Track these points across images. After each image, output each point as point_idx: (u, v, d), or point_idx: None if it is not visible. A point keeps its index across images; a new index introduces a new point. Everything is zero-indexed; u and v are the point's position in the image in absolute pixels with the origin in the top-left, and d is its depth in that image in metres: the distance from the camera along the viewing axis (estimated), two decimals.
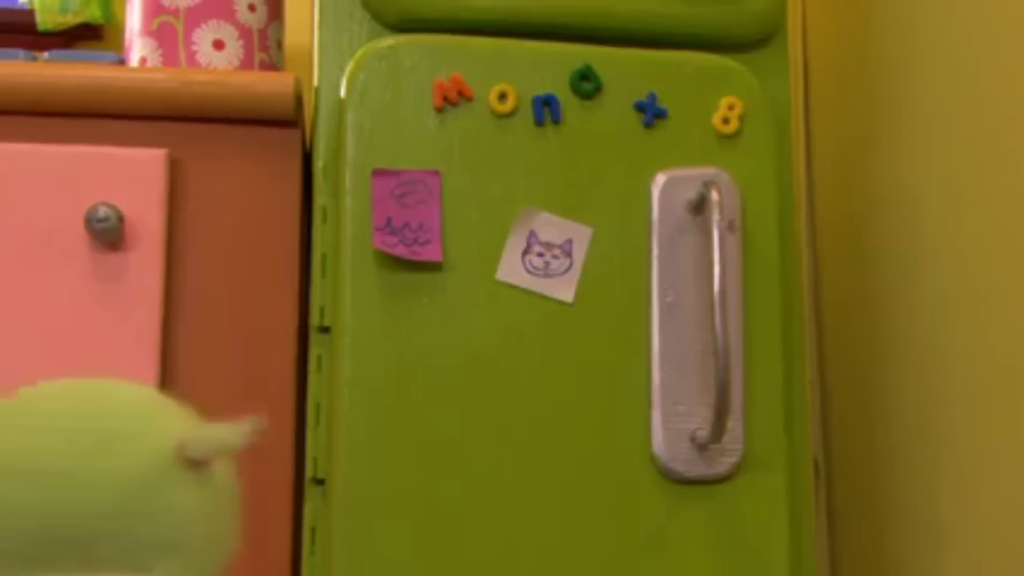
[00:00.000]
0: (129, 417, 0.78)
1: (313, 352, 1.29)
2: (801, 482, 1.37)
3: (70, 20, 1.81)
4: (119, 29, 1.78)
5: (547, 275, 1.30)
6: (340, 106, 1.31)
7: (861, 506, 1.60)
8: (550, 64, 1.33)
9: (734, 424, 1.28)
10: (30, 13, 1.81)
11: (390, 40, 1.32)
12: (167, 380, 1.29)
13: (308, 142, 1.41)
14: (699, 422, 1.28)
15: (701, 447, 1.28)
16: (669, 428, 1.28)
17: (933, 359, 1.40)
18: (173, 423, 0.79)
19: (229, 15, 1.52)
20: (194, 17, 1.51)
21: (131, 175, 1.30)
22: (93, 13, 1.82)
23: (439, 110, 1.30)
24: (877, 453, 1.55)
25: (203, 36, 1.51)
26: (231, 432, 0.75)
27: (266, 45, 1.55)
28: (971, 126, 1.34)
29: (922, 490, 1.43)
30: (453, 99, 1.30)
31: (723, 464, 1.29)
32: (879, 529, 1.54)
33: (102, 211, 1.25)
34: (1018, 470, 1.23)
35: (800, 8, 1.82)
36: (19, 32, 1.81)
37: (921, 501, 1.43)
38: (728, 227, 1.31)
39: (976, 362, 1.31)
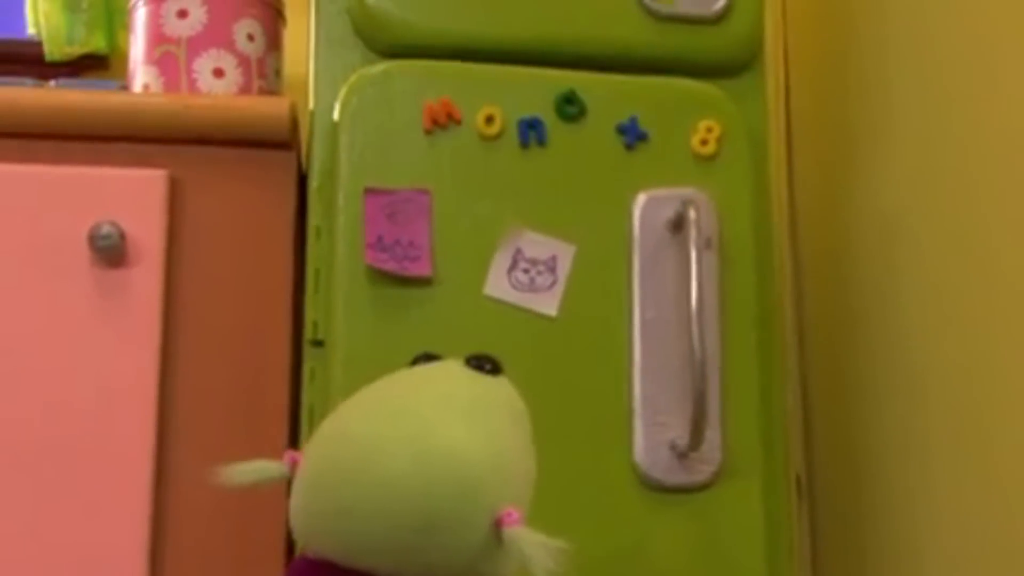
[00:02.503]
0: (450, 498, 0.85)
1: (307, 364, 1.33)
2: (779, 491, 1.41)
3: (76, 50, 1.87)
4: (123, 59, 1.82)
5: (532, 290, 1.35)
6: (334, 129, 1.36)
7: (844, 524, 1.64)
8: (535, 88, 1.38)
9: (712, 433, 1.32)
10: (37, 44, 1.88)
11: (382, 66, 1.37)
12: (166, 391, 1.33)
13: (304, 164, 1.46)
14: (679, 432, 1.33)
15: (681, 456, 1.32)
16: (650, 438, 1.33)
17: (911, 379, 1.44)
18: (492, 497, 0.86)
19: (229, 44, 1.58)
20: (195, 46, 1.57)
21: (133, 195, 1.35)
22: (98, 43, 1.88)
23: (428, 132, 1.35)
24: (859, 471, 1.59)
25: (204, 64, 1.56)
26: (548, 549, 0.83)
27: (264, 73, 1.61)
28: (944, 150, 1.39)
29: (901, 508, 1.47)
30: (442, 122, 1.36)
31: (702, 472, 1.33)
32: (861, 547, 1.57)
33: (105, 229, 1.31)
34: (993, 487, 1.27)
35: (782, 36, 1.88)
36: (27, 62, 1.87)
37: (900, 519, 1.47)
38: (706, 245, 1.35)
39: (953, 381, 1.35)
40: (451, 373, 0.96)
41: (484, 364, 0.96)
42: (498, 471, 0.88)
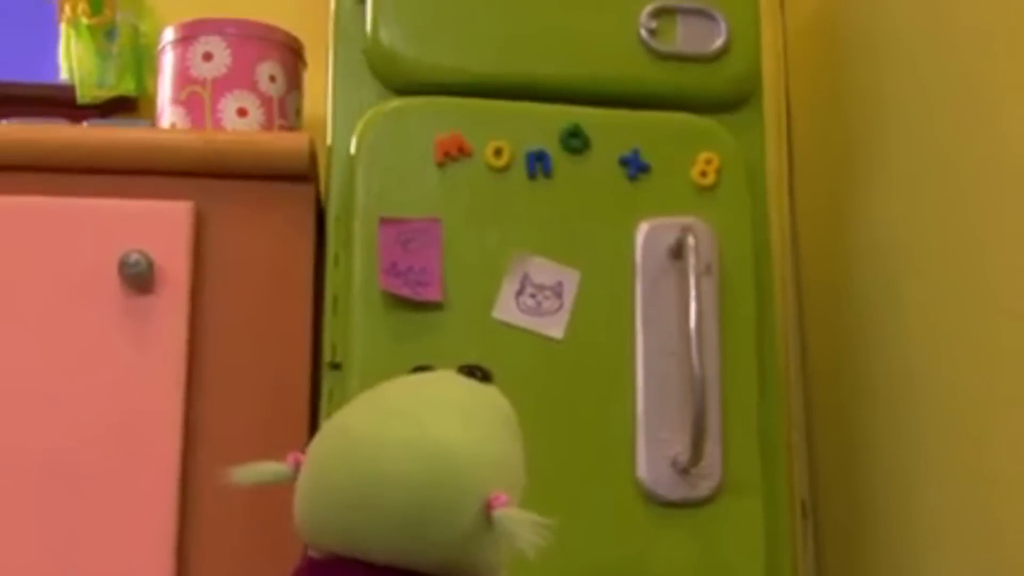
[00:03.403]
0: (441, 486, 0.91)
1: (325, 386, 1.39)
2: (779, 507, 1.46)
3: (107, 93, 1.94)
4: (151, 102, 1.89)
5: (539, 314, 1.41)
6: (351, 162, 1.43)
7: (848, 545, 1.68)
8: (542, 123, 1.45)
9: (712, 450, 1.38)
10: (70, 88, 1.94)
11: (396, 102, 1.44)
12: (191, 411, 1.40)
13: (322, 195, 1.53)
14: (680, 449, 1.38)
15: (682, 471, 1.37)
16: (652, 454, 1.38)
17: (910, 402, 1.49)
18: (481, 484, 0.93)
19: (251, 85, 1.66)
20: (220, 87, 1.65)
21: (160, 225, 1.42)
22: (128, 86, 1.95)
23: (440, 165, 1.42)
24: (861, 494, 1.63)
25: (228, 104, 1.64)
26: (533, 525, 0.89)
27: (285, 112, 1.69)
28: (938, 178, 1.45)
29: (902, 529, 1.51)
30: (453, 154, 1.42)
31: (703, 488, 1.38)
32: (864, 567, 1.61)
33: (133, 257, 1.38)
34: (989, 508, 1.32)
35: (783, 70, 1.94)
36: (60, 105, 1.93)
37: (901, 540, 1.51)
38: (705, 270, 1.41)
39: (950, 403, 1.40)
40: (444, 378, 1.03)
41: (475, 372, 1.02)
42: (487, 461, 0.94)
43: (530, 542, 0.86)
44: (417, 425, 0.93)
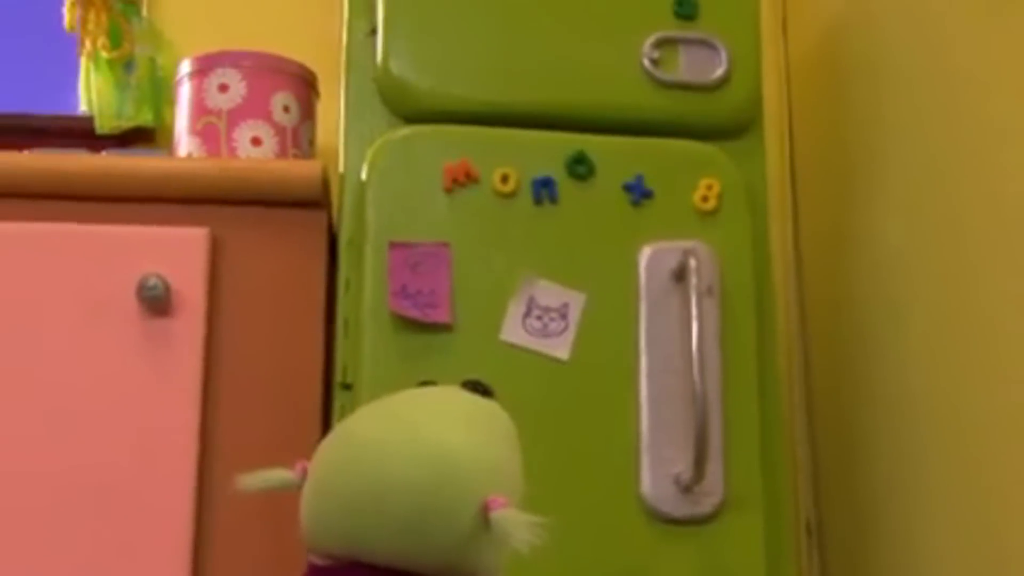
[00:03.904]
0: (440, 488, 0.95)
1: (337, 406, 1.43)
2: (782, 524, 1.49)
3: (125, 124, 1.99)
4: (168, 132, 1.94)
5: (545, 336, 1.44)
6: (362, 189, 1.47)
7: (852, 564, 1.70)
8: (547, 150, 1.49)
9: (714, 468, 1.41)
10: (89, 119, 1.99)
11: (406, 130, 1.49)
12: (207, 430, 1.44)
13: (335, 221, 1.57)
14: (683, 466, 1.41)
15: (685, 489, 1.41)
16: (656, 472, 1.41)
17: (912, 422, 1.52)
18: (479, 487, 0.96)
19: (266, 115, 1.70)
20: (235, 117, 1.69)
21: (177, 251, 1.47)
22: (145, 117, 2.00)
23: (448, 191, 1.46)
24: (865, 513, 1.66)
25: (243, 134, 1.68)
26: (528, 525, 0.92)
27: (299, 142, 1.73)
28: (937, 201, 1.48)
29: (904, 548, 1.54)
30: (461, 181, 1.47)
31: (706, 504, 1.41)
32: None
33: (151, 281, 1.42)
34: (989, 527, 1.35)
35: (786, 96, 1.98)
36: (79, 136, 1.98)
37: (904, 559, 1.54)
38: (707, 292, 1.45)
39: (951, 424, 1.43)
40: (447, 390, 1.07)
41: (477, 387, 1.06)
42: (486, 467, 0.97)
43: (526, 541, 0.90)
44: (418, 430, 0.97)
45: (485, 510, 0.94)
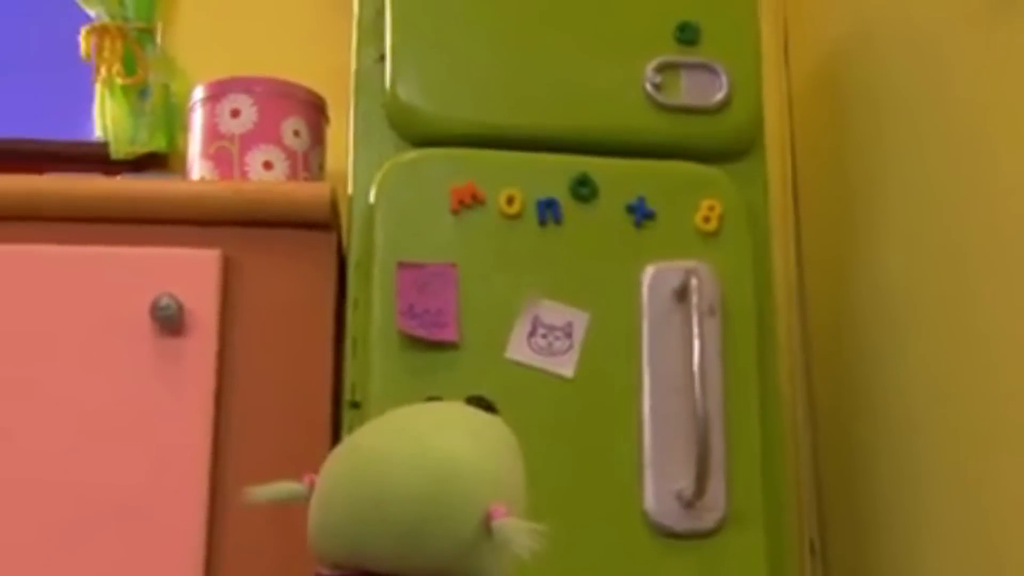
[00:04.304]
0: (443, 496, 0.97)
1: (346, 423, 1.46)
2: (783, 538, 1.51)
3: (139, 149, 2.03)
4: (182, 157, 1.97)
5: (550, 354, 1.47)
6: (370, 211, 1.50)
7: None
8: (552, 172, 1.52)
9: (716, 483, 1.43)
10: (104, 145, 2.04)
11: (413, 154, 1.52)
12: (219, 446, 1.47)
13: (344, 243, 1.60)
14: (685, 482, 1.43)
15: (687, 504, 1.43)
16: (659, 487, 1.44)
17: (912, 444, 1.55)
18: (482, 496, 0.98)
19: (277, 140, 1.74)
20: (247, 142, 1.73)
21: (190, 272, 1.50)
22: (159, 143, 2.04)
23: (455, 212, 1.49)
24: (867, 534, 1.68)
25: (254, 158, 1.72)
26: (528, 532, 0.95)
27: (309, 166, 1.77)
28: (936, 231, 1.51)
29: (906, 568, 1.56)
30: (467, 203, 1.50)
31: (708, 520, 1.44)
32: None
33: (165, 301, 1.45)
34: (987, 547, 1.37)
35: (788, 124, 2.02)
36: (94, 161, 2.02)
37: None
38: (709, 311, 1.48)
39: (949, 446, 1.46)
40: (451, 405, 1.09)
41: (481, 403, 1.09)
42: (489, 477, 1.00)
43: (528, 548, 0.92)
44: (422, 441, 1.00)
45: (487, 519, 0.96)
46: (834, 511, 1.81)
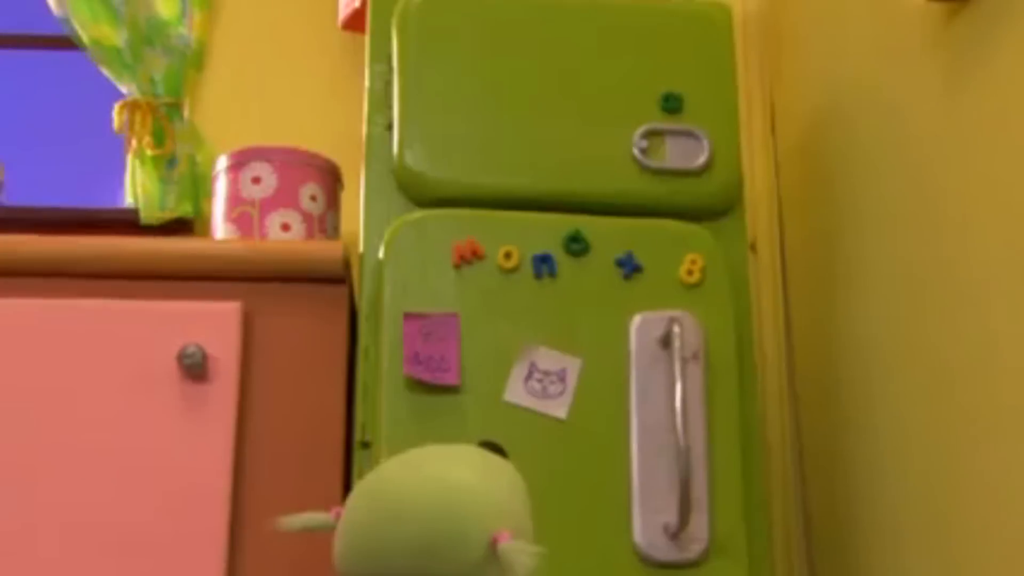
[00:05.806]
0: (452, 523, 1.06)
1: (357, 462, 1.57)
2: (765, 569, 1.60)
3: (167, 215, 2.15)
4: (207, 222, 2.10)
5: (545, 397, 1.58)
6: (379, 266, 1.62)
7: None
8: (547, 229, 1.64)
9: (699, 516, 1.53)
10: (134, 211, 2.17)
11: (419, 214, 1.64)
12: (239, 484, 1.58)
13: (356, 296, 1.72)
14: (671, 516, 1.53)
15: (673, 536, 1.53)
16: (647, 521, 1.53)
17: (889, 485, 1.63)
18: (489, 524, 1.07)
19: (295, 204, 1.87)
20: (267, 206, 1.86)
21: (213, 323, 1.63)
22: (186, 209, 2.16)
23: (457, 267, 1.61)
24: (855, 566, 1.76)
25: (274, 221, 1.85)
26: (527, 553, 1.03)
27: (324, 228, 1.89)
28: (912, 289, 1.59)
29: None
30: (468, 258, 1.61)
31: (692, 550, 1.53)
32: None
33: (190, 350, 1.58)
34: None
35: (775, 186, 2.13)
36: (125, 225, 2.15)
37: None
38: (692, 357, 1.58)
39: (923, 491, 1.53)
40: (465, 446, 1.19)
41: (492, 446, 1.19)
42: (497, 509, 1.09)
43: (529, 568, 1.01)
44: (438, 471, 1.10)
45: (494, 542, 1.04)
46: (823, 548, 1.88)
